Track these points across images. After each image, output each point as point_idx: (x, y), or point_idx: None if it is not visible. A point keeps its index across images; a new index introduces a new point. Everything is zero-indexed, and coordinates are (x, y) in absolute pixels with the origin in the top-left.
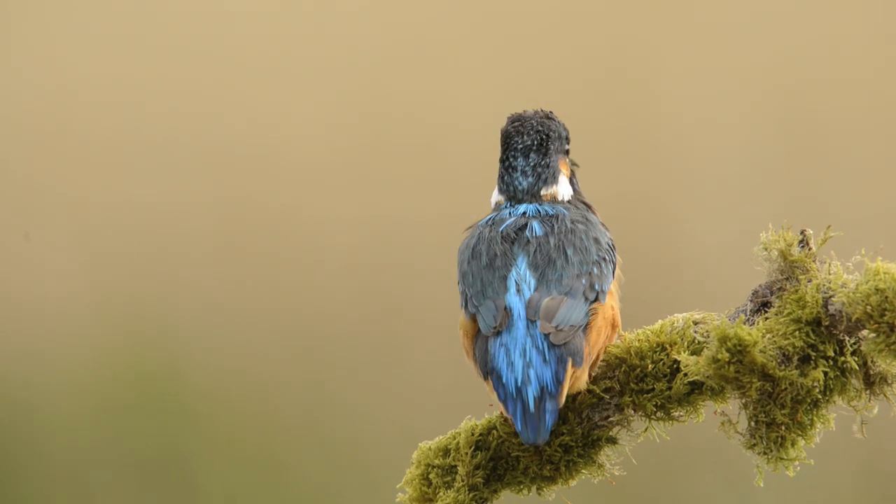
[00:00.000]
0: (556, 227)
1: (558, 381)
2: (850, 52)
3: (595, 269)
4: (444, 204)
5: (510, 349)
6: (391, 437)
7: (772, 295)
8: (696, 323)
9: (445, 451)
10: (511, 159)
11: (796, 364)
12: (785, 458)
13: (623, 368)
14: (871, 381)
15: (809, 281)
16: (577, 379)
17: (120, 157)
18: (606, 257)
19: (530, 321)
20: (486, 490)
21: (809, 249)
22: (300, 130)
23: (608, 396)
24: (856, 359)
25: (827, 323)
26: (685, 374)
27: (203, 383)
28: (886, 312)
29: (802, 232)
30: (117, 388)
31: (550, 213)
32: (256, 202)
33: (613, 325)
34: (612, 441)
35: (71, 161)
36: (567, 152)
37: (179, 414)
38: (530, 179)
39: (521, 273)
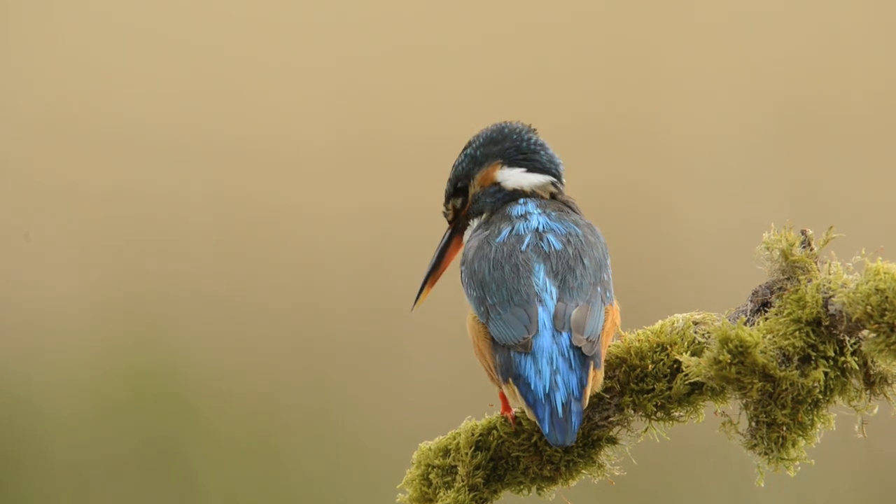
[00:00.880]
0: (570, 236)
1: (582, 386)
2: (850, 51)
3: (604, 276)
4: (442, 200)
5: (537, 357)
6: (391, 438)
7: (772, 295)
8: (696, 323)
9: (445, 452)
10: (532, 142)
11: (797, 364)
12: (786, 458)
13: (623, 368)
14: (872, 381)
15: (809, 281)
16: (596, 380)
17: (120, 156)
18: (608, 262)
19: (557, 330)
20: (486, 490)
21: (811, 250)
22: (299, 127)
23: (608, 396)
24: (856, 359)
25: (827, 323)
26: (685, 375)
27: (202, 381)
28: (886, 312)
29: (804, 232)
30: (117, 386)
31: (561, 227)
32: (255, 199)
33: (614, 325)
34: (613, 441)
35: (71, 161)
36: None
37: (179, 412)
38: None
39: (542, 282)
